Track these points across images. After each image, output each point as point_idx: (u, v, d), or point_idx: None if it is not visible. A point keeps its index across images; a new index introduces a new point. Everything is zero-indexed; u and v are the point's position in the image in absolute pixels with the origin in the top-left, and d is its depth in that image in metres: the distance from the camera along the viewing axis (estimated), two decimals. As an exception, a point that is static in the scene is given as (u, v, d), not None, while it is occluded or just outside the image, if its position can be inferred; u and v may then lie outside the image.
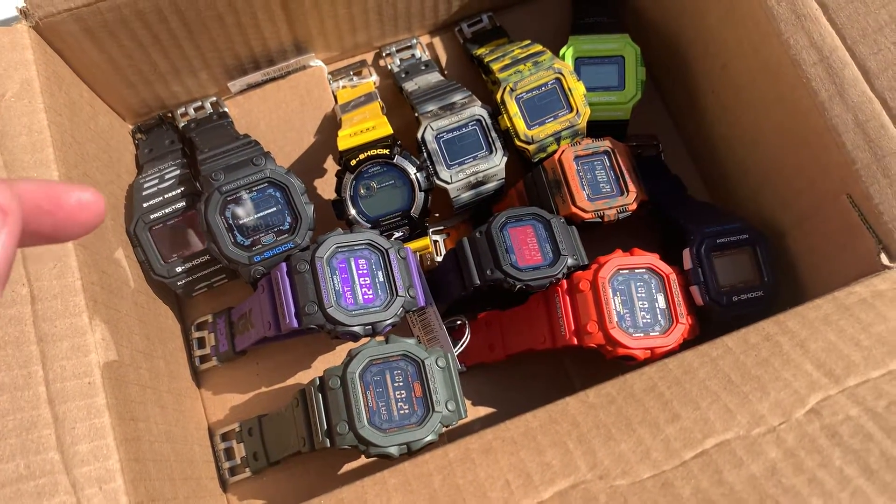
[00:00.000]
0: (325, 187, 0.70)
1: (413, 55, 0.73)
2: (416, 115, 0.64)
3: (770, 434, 0.42)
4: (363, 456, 0.59)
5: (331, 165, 0.71)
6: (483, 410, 0.64)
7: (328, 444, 0.53)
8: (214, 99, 0.70)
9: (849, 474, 0.39)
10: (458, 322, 0.65)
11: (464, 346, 0.63)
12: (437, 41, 0.75)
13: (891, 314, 0.46)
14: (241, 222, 0.58)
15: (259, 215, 0.59)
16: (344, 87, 0.71)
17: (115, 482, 0.45)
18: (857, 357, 0.44)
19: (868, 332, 0.45)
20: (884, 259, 0.50)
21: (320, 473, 0.62)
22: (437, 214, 0.69)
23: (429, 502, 0.43)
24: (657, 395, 0.46)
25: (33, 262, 0.48)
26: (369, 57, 0.74)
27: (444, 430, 0.54)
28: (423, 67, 0.70)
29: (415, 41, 0.73)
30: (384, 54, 0.73)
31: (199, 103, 0.70)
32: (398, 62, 0.72)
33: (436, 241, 0.68)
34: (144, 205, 0.61)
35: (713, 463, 0.41)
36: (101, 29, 0.57)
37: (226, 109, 0.70)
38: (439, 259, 0.67)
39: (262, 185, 0.59)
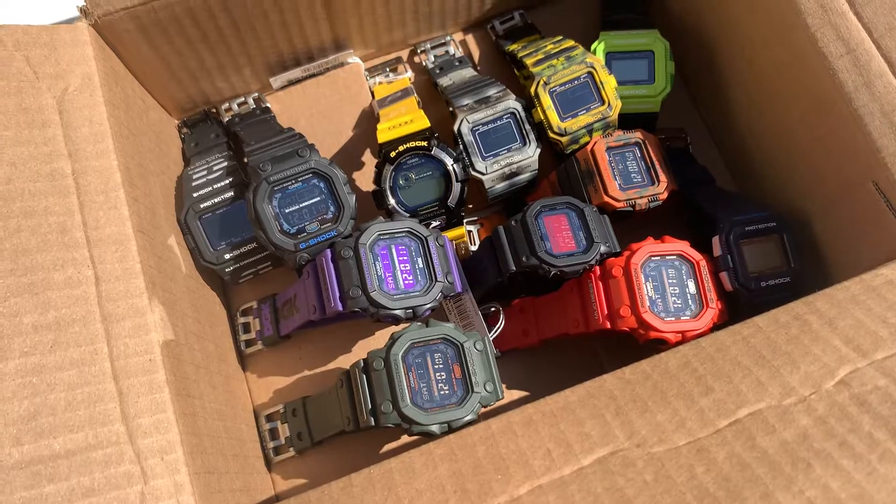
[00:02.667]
0: (363, 179, 0.72)
1: (447, 52, 0.75)
2: (452, 109, 0.67)
3: (801, 404, 0.44)
4: (404, 435, 0.62)
5: (368, 158, 0.73)
6: (517, 394, 0.66)
7: (373, 423, 0.55)
8: (257, 95, 0.73)
9: (878, 438, 0.40)
10: (493, 309, 0.67)
11: (498, 331, 0.65)
12: (469, 38, 0.77)
13: (916, 293, 0.48)
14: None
15: (303, 205, 0.61)
16: (381, 83, 0.73)
17: (176, 453, 0.48)
18: (884, 333, 0.46)
19: (894, 311, 0.47)
20: (909, 243, 0.52)
21: (362, 453, 0.64)
22: (470, 206, 0.72)
23: (473, 469, 0.46)
24: (691, 370, 0.48)
25: (96, 245, 0.51)
26: (404, 54, 0.77)
27: (482, 409, 0.56)
28: (457, 63, 0.73)
29: (449, 38, 0.76)
30: (419, 51, 0.76)
31: (243, 99, 0.73)
32: (433, 59, 0.74)
33: (470, 232, 0.70)
34: (194, 194, 0.64)
35: (746, 430, 0.43)
36: (154, 26, 0.60)
37: (268, 105, 0.73)
38: (474, 248, 0.69)
39: (307, 176, 0.61)
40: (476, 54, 0.77)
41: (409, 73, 0.75)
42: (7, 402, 0.45)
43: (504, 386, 0.66)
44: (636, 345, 0.60)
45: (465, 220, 0.69)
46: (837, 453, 0.41)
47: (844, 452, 0.41)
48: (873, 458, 0.40)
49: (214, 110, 0.73)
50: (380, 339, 0.68)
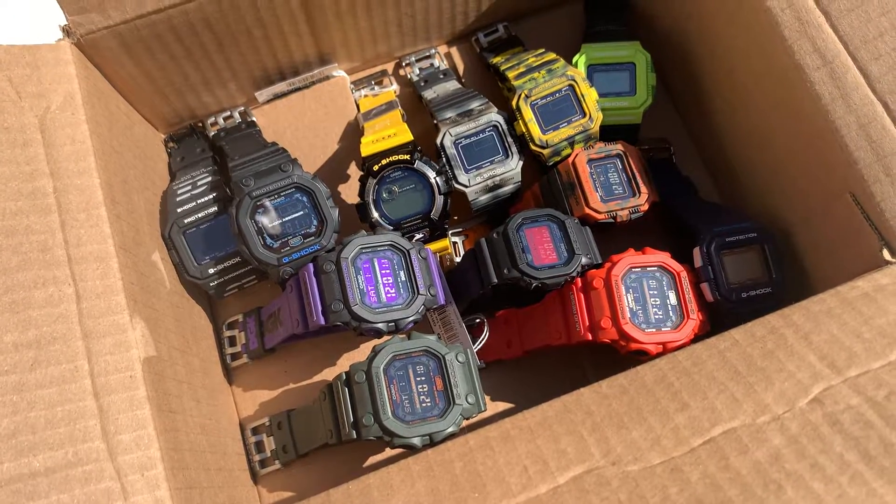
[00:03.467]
0: (349, 192, 0.73)
1: (432, 64, 0.75)
2: (435, 121, 0.67)
3: (774, 422, 0.44)
4: (387, 448, 0.62)
5: (354, 171, 0.74)
6: (501, 405, 0.67)
7: (354, 436, 0.56)
8: (243, 108, 0.74)
9: (849, 460, 0.41)
10: (477, 320, 0.67)
11: (482, 343, 0.65)
12: (454, 51, 0.78)
13: (892, 307, 0.48)
14: (267, 229, 0.61)
15: (286, 219, 0.62)
16: (366, 95, 0.74)
17: (156, 469, 0.48)
18: (858, 348, 0.46)
19: (869, 325, 0.48)
20: (886, 255, 0.53)
21: (346, 465, 0.64)
22: (455, 217, 0.72)
23: (451, 487, 0.46)
24: (667, 385, 0.48)
25: (77, 263, 0.51)
26: (390, 67, 0.78)
27: (464, 422, 0.56)
28: (441, 76, 0.73)
29: (433, 51, 0.76)
30: (404, 64, 0.76)
31: (228, 113, 0.73)
32: (417, 71, 0.75)
33: (455, 243, 0.70)
34: (178, 210, 0.64)
35: (720, 450, 0.43)
36: (138, 43, 0.61)
37: (254, 119, 0.73)
38: (458, 260, 0.69)
39: (289, 190, 0.62)
40: (461, 67, 0.77)
41: (395, 86, 0.75)
42: (-13, 422, 0.46)
43: (488, 397, 0.67)
44: (619, 356, 0.61)
45: (449, 232, 0.69)
46: (809, 475, 0.41)
47: (815, 474, 0.41)
48: (843, 481, 0.40)
49: (200, 124, 0.74)
50: (364, 351, 0.68)
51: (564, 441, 0.47)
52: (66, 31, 0.58)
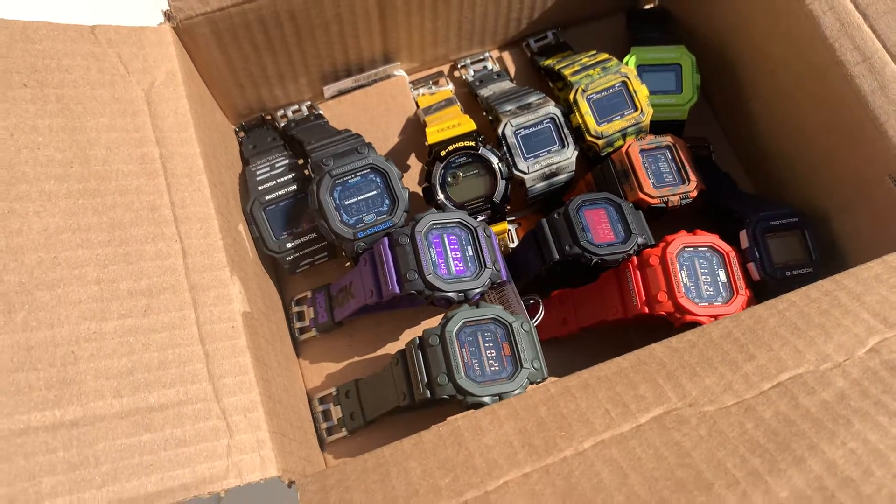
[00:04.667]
0: (409, 182, 0.77)
1: (485, 67, 0.81)
2: (494, 115, 0.72)
3: (837, 368, 0.48)
4: (455, 410, 0.65)
5: (413, 163, 0.78)
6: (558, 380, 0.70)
7: (428, 395, 0.59)
8: (310, 103, 0.78)
9: (910, 396, 0.45)
10: (532, 301, 0.71)
11: (538, 321, 0.69)
12: (506, 55, 0.83)
13: (935, 272, 0.53)
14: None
15: (362, 197, 0.66)
16: (424, 94, 0.79)
17: (258, 412, 0.51)
18: (908, 305, 0.51)
19: (916, 286, 0.52)
20: (925, 231, 0.57)
21: (412, 433, 0.67)
22: (508, 207, 0.76)
23: (538, 427, 0.49)
24: (733, 340, 0.52)
25: (182, 222, 0.55)
26: (445, 69, 0.83)
27: (530, 385, 0.60)
28: (495, 77, 0.78)
29: (487, 54, 0.82)
30: (459, 66, 0.81)
31: (297, 107, 0.78)
32: (472, 73, 0.80)
33: (509, 230, 0.75)
34: (259, 188, 0.68)
35: (789, 392, 0.47)
36: (227, 31, 0.65)
37: (321, 112, 0.78)
38: (513, 245, 0.74)
39: (365, 171, 0.66)
40: (511, 70, 0.83)
41: (451, 86, 0.80)
42: (108, 359, 0.49)
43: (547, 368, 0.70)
44: (669, 334, 0.64)
45: (506, 218, 0.74)
46: (874, 411, 0.45)
47: (880, 410, 0.45)
48: (906, 415, 0.44)
49: (269, 116, 0.78)
50: (425, 327, 0.72)
51: (642, 388, 0.50)
52: (168, 15, 0.62)
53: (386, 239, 0.63)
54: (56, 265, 0.50)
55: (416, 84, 0.80)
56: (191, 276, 0.54)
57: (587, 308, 0.69)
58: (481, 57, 0.82)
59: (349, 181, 0.66)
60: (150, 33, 0.61)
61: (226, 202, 0.61)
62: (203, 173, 0.57)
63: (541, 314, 0.70)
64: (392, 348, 0.72)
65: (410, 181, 0.77)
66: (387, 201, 0.66)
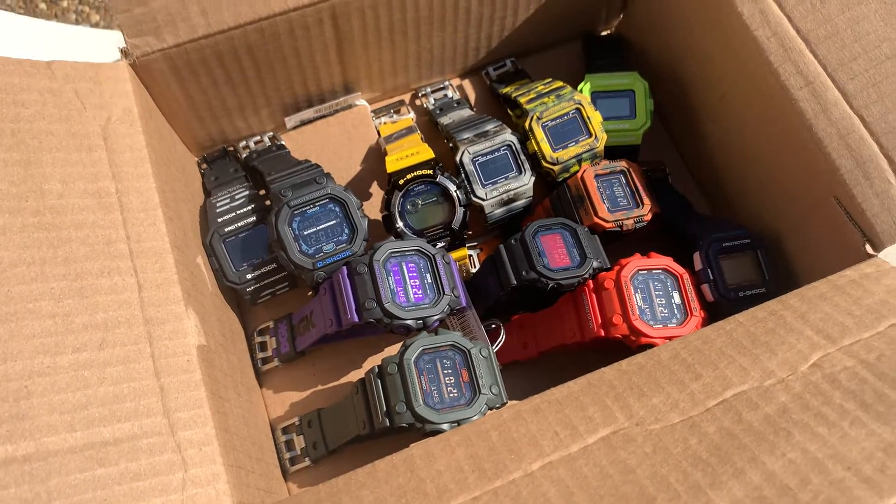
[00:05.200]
0: (370, 210, 0.78)
1: (446, 95, 0.82)
2: (453, 143, 0.73)
3: (780, 384, 0.49)
4: (416, 437, 0.66)
5: (375, 191, 0.79)
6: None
7: (387, 423, 0.59)
8: (272, 133, 0.79)
9: (848, 408, 0.46)
10: (493, 325, 0.72)
11: (499, 345, 0.70)
12: (466, 83, 0.85)
13: (876, 289, 0.54)
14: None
15: (321, 227, 0.67)
16: (385, 122, 0.80)
17: (212, 445, 0.52)
18: (850, 323, 0.52)
19: (858, 304, 0.53)
20: (868, 249, 0.59)
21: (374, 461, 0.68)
22: (470, 232, 0.77)
23: (488, 452, 0.50)
24: (681, 360, 0.53)
25: (138, 256, 0.56)
26: (406, 97, 0.84)
27: (488, 411, 0.60)
28: (455, 105, 0.80)
29: (447, 83, 0.83)
30: (420, 95, 0.83)
31: (259, 137, 0.79)
32: (433, 101, 0.81)
33: (470, 255, 0.76)
34: (219, 220, 0.69)
35: (733, 408, 0.48)
36: (185, 66, 0.66)
37: (283, 142, 0.79)
38: (473, 270, 0.74)
39: (323, 201, 0.67)
40: (472, 97, 0.84)
41: (412, 115, 0.82)
42: (62, 393, 0.49)
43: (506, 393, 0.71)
44: (626, 355, 0.65)
45: (466, 245, 0.75)
46: (813, 422, 0.46)
47: (819, 421, 0.46)
48: (845, 425, 0.45)
49: (232, 148, 0.79)
50: (387, 354, 0.72)
51: (591, 409, 0.51)
52: (125, 52, 0.63)
53: (345, 268, 0.64)
54: (9, 299, 0.51)
55: (377, 113, 0.82)
56: (146, 309, 0.54)
57: (546, 332, 0.70)
58: (441, 85, 0.83)
59: (308, 211, 0.67)
60: (107, 69, 0.62)
61: (183, 235, 0.62)
62: (159, 208, 0.58)
63: (502, 339, 0.70)
64: (355, 376, 0.72)
65: (373, 209, 0.78)
66: (346, 230, 0.67)
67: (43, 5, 1.56)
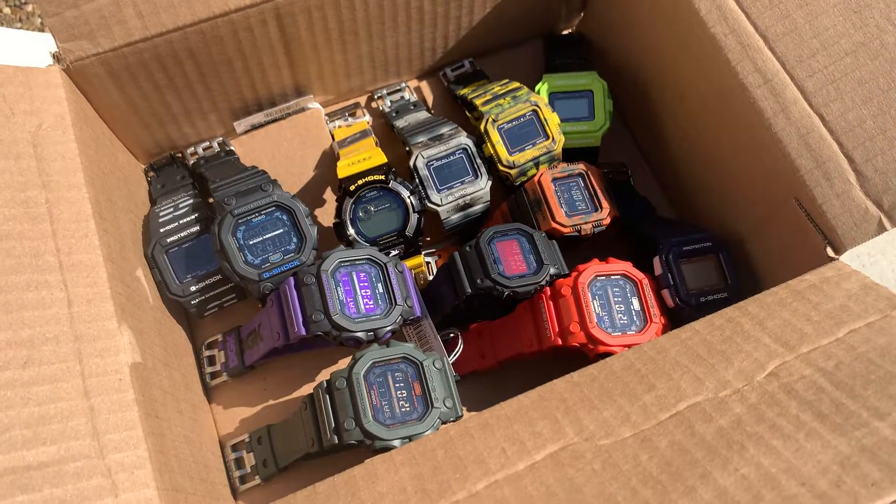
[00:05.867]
0: (325, 216, 0.76)
1: (402, 97, 0.80)
2: (408, 147, 0.71)
3: (735, 395, 0.47)
4: (369, 453, 0.63)
5: (329, 196, 0.77)
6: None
7: (336, 441, 0.57)
8: (221, 139, 0.77)
9: (804, 420, 0.44)
10: (451, 335, 0.70)
11: (457, 355, 0.68)
12: (423, 85, 0.82)
13: (837, 294, 0.52)
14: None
15: (266, 236, 0.64)
16: (340, 126, 0.77)
17: (145, 469, 0.49)
18: (809, 329, 0.50)
19: (818, 310, 0.51)
20: (830, 252, 0.57)
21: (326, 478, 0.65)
22: (427, 238, 0.75)
23: (433, 471, 0.48)
24: (634, 371, 0.51)
25: (68, 270, 0.53)
26: (362, 100, 0.82)
27: (442, 425, 0.58)
28: (411, 107, 0.77)
29: (403, 85, 0.81)
30: (376, 97, 0.80)
31: (207, 143, 0.76)
32: (389, 103, 0.79)
33: (428, 263, 0.73)
34: (161, 230, 0.66)
35: (686, 420, 0.46)
36: (123, 71, 0.64)
37: (232, 148, 0.76)
38: (431, 278, 0.72)
39: (270, 209, 0.65)
40: (430, 99, 0.82)
41: (367, 118, 0.79)
42: (-20, 417, 0.47)
43: (464, 408, 0.69)
44: (587, 363, 0.63)
45: (422, 252, 0.72)
46: (768, 434, 0.44)
47: (774, 434, 0.44)
48: (800, 437, 0.43)
49: (180, 154, 0.76)
50: (342, 367, 0.70)
51: (540, 424, 0.49)
52: (57, 57, 0.61)
53: (291, 279, 0.61)
54: (-76, 316, 0.48)
55: (332, 116, 0.79)
56: (76, 326, 0.51)
57: (504, 341, 0.68)
58: (398, 87, 0.81)
59: (253, 220, 0.64)
60: (39, 74, 0.59)
61: (119, 248, 0.59)
62: (91, 219, 0.56)
63: (459, 348, 0.68)
64: (308, 390, 0.70)
65: (326, 216, 0.76)
66: (294, 239, 0.65)
67: (7, 10, 1.53)
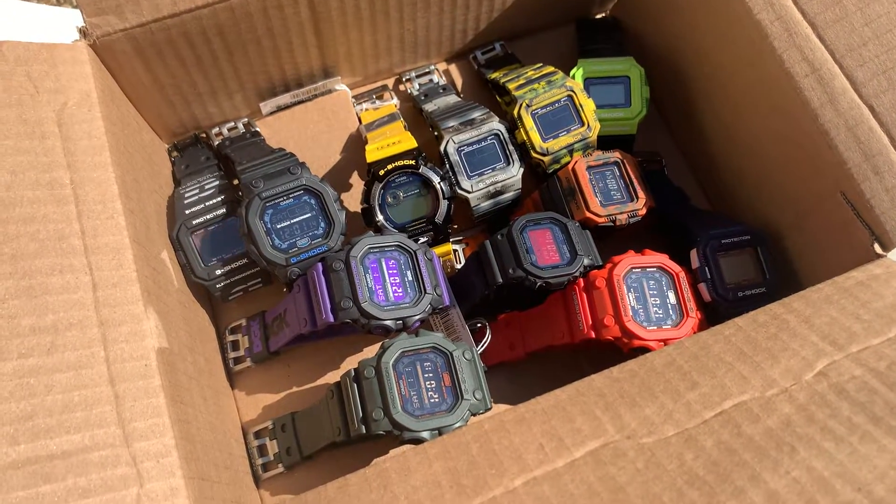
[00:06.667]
0: (351, 201, 0.74)
1: (431, 80, 0.78)
2: (437, 131, 0.69)
3: (783, 394, 0.46)
4: (395, 444, 0.62)
5: (356, 181, 0.75)
6: (504, 408, 0.67)
7: (363, 431, 0.56)
8: (246, 120, 0.75)
9: (857, 422, 0.42)
10: (479, 325, 0.68)
11: (485, 345, 0.66)
12: (452, 68, 0.80)
13: (886, 292, 0.51)
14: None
15: (294, 220, 0.63)
16: (367, 109, 0.76)
17: (171, 457, 0.48)
18: (857, 328, 0.48)
19: (867, 308, 0.50)
20: (877, 248, 0.55)
21: (350, 469, 0.64)
22: (455, 226, 0.73)
23: (468, 466, 0.46)
24: (676, 368, 0.49)
25: (93, 253, 0.51)
26: (390, 82, 0.80)
27: (471, 417, 0.57)
28: (441, 91, 0.75)
29: (433, 67, 0.79)
30: (404, 79, 0.79)
31: (233, 124, 0.75)
32: (417, 86, 0.77)
33: (455, 251, 0.72)
34: (187, 212, 0.65)
35: (732, 420, 0.45)
36: (150, 48, 0.62)
37: (258, 129, 0.75)
38: (459, 266, 0.71)
39: (298, 192, 0.63)
40: (459, 83, 0.80)
41: (395, 100, 0.78)
42: (4, 403, 0.45)
43: (491, 398, 0.67)
44: (619, 357, 0.62)
45: (450, 239, 0.71)
46: (819, 437, 0.43)
47: (826, 436, 0.42)
48: (854, 440, 0.42)
49: (204, 135, 0.75)
50: (368, 354, 0.69)
51: (579, 420, 0.48)
52: (84, 31, 0.59)
53: (319, 265, 0.60)
54: (-53, 301, 0.47)
55: (359, 98, 0.77)
56: (101, 310, 0.50)
57: (534, 332, 0.66)
58: (427, 70, 0.79)
59: (281, 203, 0.63)
60: (64, 51, 0.58)
61: (145, 229, 0.58)
62: (118, 199, 0.54)
63: (487, 339, 0.67)
64: (332, 377, 0.68)
65: (353, 200, 0.74)
66: (322, 224, 0.63)
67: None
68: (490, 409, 0.58)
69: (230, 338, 0.69)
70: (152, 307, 0.53)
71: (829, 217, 0.59)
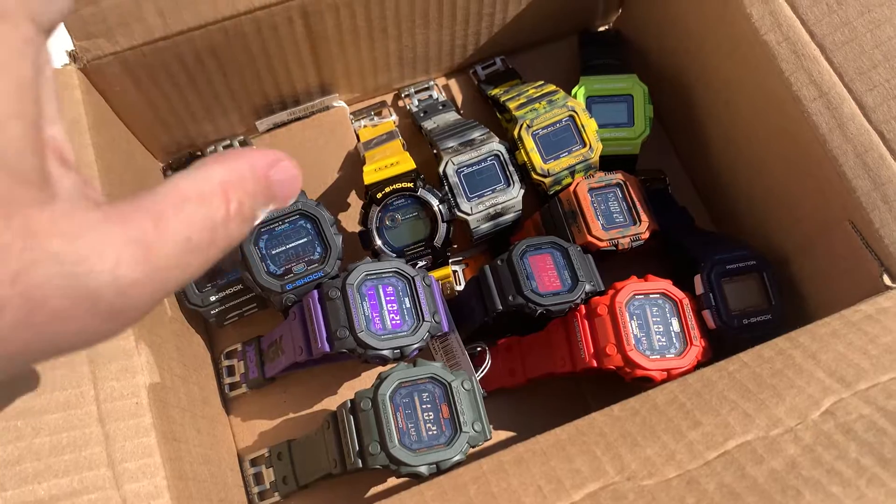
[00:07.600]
0: (349, 221, 0.73)
1: (431, 96, 0.77)
2: (436, 151, 0.68)
3: (788, 434, 0.44)
4: (392, 477, 0.61)
5: (354, 200, 0.74)
6: (505, 434, 0.66)
7: (360, 465, 0.55)
8: (242, 137, 0.74)
9: (865, 464, 0.41)
10: (479, 349, 0.67)
11: (485, 371, 0.65)
12: (452, 83, 0.79)
13: (895, 327, 0.49)
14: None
15: (290, 246, 0.61)
16: (365, 126, 0.74)
17: (163, 498, 0.47)
18: (866, 364, 0.47)
19: (875, 343, 0.48)
20: (886, 280, 0.54)
21: (347, 498, 0.63)
22: (455, 246, 0.72)
23: (466, 509, 0.45)
24: (678, 405, 0.48)
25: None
26: (388, 98, 0.78)
27: (471, 450, 0.56)
28: (440, 107, 0.74)
29: (432, 83, 0.77)
30: (403, 95, 0.77)
31: (228, 142, 0.73)
32: (416, 103, 0.76)
33: (455, 272, 0.71)
34: (180, 237, 0.63)
35: (735, 461, 0.44)
36: (142, 70, 0.61)
37: (254, 147, 0.73)
38: (459, 288, 0.69)
39: (293, 217, 0.62)
40: (459, 98, 0.78)
41: (394, 117, 0.76)
42: (-9, 447, 0.44)
43: (491, 426, 0.66)
44: (621, 384, 0.61)
45: (450, 261, 0.70)
46: (826, 480, 0.41)
47: (833, 479, 0.41)
48: (861, 484, 0.40)
49: (200, 153, 0.74)
50: (366, 380, 0.68)
51: (578, 461, 0.46)
52: (73, 56, 0.58)
53: (315, 292, 0.59)
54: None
55: (357, 115, 0.76)
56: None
57: (535, 359, 0.65)
58: (426, 86, 0.77)
59: (276, 229, 0.61)
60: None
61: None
62: (108, 230, 0.53)
63: (487, 364, 0.66)
64: (330, 403, 0.67)
65: (351, 220, 0.73)
66: (318, 249, 0.62)
67: None
68: (490, 439, 0.57)
69: (226, 363, 0.68)
70: (143, 341, 0.52)
71: (836, 244, 0.58)
